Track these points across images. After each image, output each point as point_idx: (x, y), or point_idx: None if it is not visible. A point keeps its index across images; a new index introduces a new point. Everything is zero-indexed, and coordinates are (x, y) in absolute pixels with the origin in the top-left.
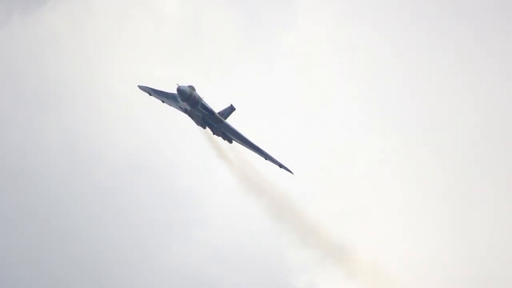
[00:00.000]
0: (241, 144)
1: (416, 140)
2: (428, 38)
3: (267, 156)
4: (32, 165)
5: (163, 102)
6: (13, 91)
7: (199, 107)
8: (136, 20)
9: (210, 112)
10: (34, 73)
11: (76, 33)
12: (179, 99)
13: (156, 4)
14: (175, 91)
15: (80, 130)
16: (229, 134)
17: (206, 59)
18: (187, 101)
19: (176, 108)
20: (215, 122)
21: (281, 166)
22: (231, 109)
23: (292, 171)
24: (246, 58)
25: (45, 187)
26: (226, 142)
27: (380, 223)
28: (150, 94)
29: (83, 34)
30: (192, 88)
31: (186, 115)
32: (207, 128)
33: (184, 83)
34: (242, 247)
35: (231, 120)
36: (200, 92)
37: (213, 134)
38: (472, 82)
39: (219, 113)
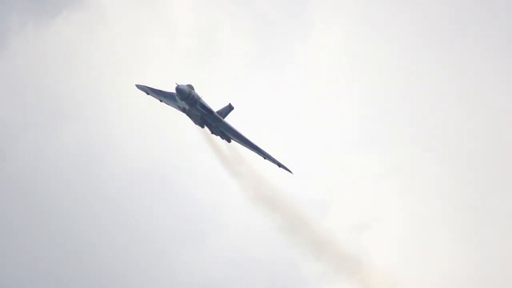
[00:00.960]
0: (239, 143)
1: (430, 150)
2: (442, 49)
3: (266, 155)
4: (44, 176)
5: (161, 101)
6: (27, 102)
7: (198, 106)
8: (150, 31)
9: (209, 111)
10: (48, 83)
11: (90, 44)
12: (177, 98)
13: (170, 15)
14: (173, 90)
15: (93, 140)
16: (228, 133)
17: (220, 70)
18: (186, 100)
19: (174, 107)
20: (213, 121)
21: (280, 165)
22: (229, 108)
23: (291, 171)
24: (259, 68)
25: (58, 198)
26: (224, 141)
27: (393, 234)
28: (148, 93)
29: (97, 45)
30: (190, 87)
31: (184, 115)
32: (205, 127)
33: (183, 82)
34: (255, 257)
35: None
36: (200, 92)
37: (212, 133)
38: (488, 92)
39: (218, 112)
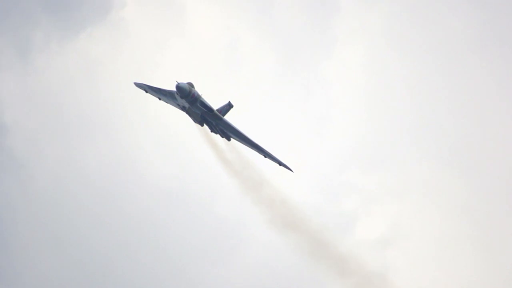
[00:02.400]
0: (239, 141)
1: (455, 165)
2: (466, 68)
3: (266, 154)
4: (66, 191)
5: (159, 99)
6: (51, 117)
7: (198, 104)
8: (173, 47)
9: (209, 109)
10: (71, 99)
11: (113, 60)
12: (177, 97)
13: (194, 31)
14: (172, 88)
15: (115, 156)
16: (228, 132)
17: (243, 85)
18: (186, 98)
19: (174, 105)
20: (213, 119)
21: (280, 163)
22: (229, 106)
23: (292, 169)
24: (282, 82)
25: (78, 214)
26: (224, 139)
27: (418, 250)
28: (147, 91)
29: (120, 61)
30: (191, 85)
31: (182, 113)
32: (205, 125)
33: (183, 80)
34: (277, 275)
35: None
36: (201, 91)
37: (211, 131)
38: None
39: (217, 110)
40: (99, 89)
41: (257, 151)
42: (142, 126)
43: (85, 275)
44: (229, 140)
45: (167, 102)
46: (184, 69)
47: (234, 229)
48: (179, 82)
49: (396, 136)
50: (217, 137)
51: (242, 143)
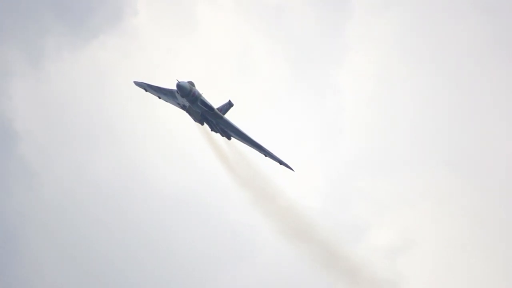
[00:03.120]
0: (240, 140)
1: (465, 173)
2: (478, 75)
3: (267, 153)
4: (77, 199)
5: (159, 98)
6: (63, 126)
7: (199, 103)
8: (185, 55)
9: (210, 108)
10: (83, 108)
11: (125, 68)
12: (178, 95)
13: (206, 39)
14: (172, 87)
15: (128, 165)
16: (228, 131)
17: (255, 93)
18: (187, 97)
19: (174, 104)
20: (214, 118)
21: (281, 163)
22: (229, 105)
23: (292, 168)
24: (294, 90)
25: (90, 222)
26: (224, 138)
27: (430, 258)
28: (146, 90)
29: (132, 69)
30: (191, 83)
31: (181, 112)
32: (205, 124)
33: (184, 79)
34: (289, 282)
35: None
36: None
37: (211, 130)
38: None
39: (217, 109)
40: (111, 97)
41: (258, 150)
42: (153, 134)
43: (96, 282)
44: (229, 139)
45: (167, 101)
46: (196, 76)
47: (246, 235)
48: (179, 81)
49: (407, 143)
50: (217, 136)
51: (243, 142)
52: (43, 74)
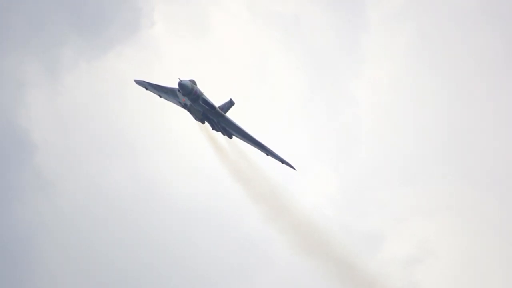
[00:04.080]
0: (241, 139)
1: (483, 184)
2: (494, 88)
3: (268, 152)
4: (94, 212)
5: (160, 96)
6: (79, 137)
7: (200, 102)
8: (202, 66)
9: (211, 106)
10: (100, 119)
11: (142, 79)
12: (179, 94)
13: (222, 50)
14: (173, 85)
15: (144, 176)
16: (230, 129)
17: (273, 103)
18: (188, 95)
19: (174, 103)
20: (215, 117)
21: (283, 161)
22: (230, 103)
23: (294, 167)
24: (311, 104)
25: (109, 233)
26: (226, 137)
27: (447, 269)
28: (147, 89)
29: (149, 80)
30: (193, 82)
31: (182, 111)
32: (206, 123)
33: (186, 77)
34: None
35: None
36: (203, 89)
37: (212, 129)
38: None
39: (219, 107)
40: (127, 107)
41: (259, 149)
42: (170, 145)
43: None
44: (230, 138)
45: (167, 100)
46: (213, 87)
47: (260, 246)
48: (181, 79)
49: (424, 154)
50: (218, 135)
51: (244, 140)
52: (60, 84)
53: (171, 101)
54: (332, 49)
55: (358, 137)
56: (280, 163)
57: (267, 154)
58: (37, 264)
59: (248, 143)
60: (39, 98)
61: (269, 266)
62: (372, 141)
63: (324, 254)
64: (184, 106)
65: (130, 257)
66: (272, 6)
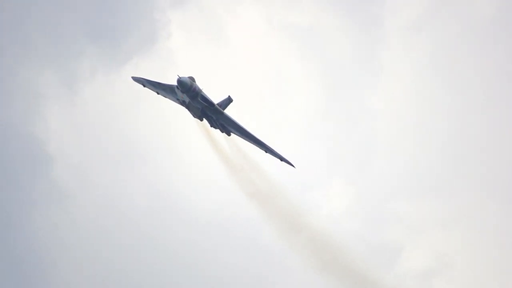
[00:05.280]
0: (240, 136)
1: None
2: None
3: (267, 149)
4: (111, 224)
5: (158, 93)
6: (97, 149)
7: (199, 99)
8: (219, 78)
9: (210, 104)
10: (117, 131)
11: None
12: (178, 91)
13: (240, 62)
14: (171, 82)
15: (163, 189)
16: (229, 127)
17: (289, 115)
18: (187, 92)
19: (173, 100)
20: (214, 114)
21: (282, 159)
22: (228, 100)
23: (293, 165)
24: (328, 114)
25: (125, 246)
26: (224, 134)
27: (464, 281)
28: (145, 86)
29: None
30: (192, 79)
31: (179, 108)
32: (204, 120)
33: (185, 74)
34: None
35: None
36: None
37: (211, 126)
38: None
39: (217, 104)
40: (145, 120)
41: (258, 146)
42: (186, 158)
43: None
44: (229, 135)
45: (165, 97)
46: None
47: (276, 257)
48: (180, 76)
49: (442, 166)
50: (216, 131)
51: (243, 137)
52: (77, 97)
53: (169, 98)
54: (348, 60)
55: (375, 149)
56: (279, 160)
57: (266, 152)
58: (53, 275)
59: (247, 140)
60: (57, 110)
61: (286, 278)
62: (389, 153)
63: (341, 267)
64: (183, 103)
65: (145, 269)
66: (288, 17)
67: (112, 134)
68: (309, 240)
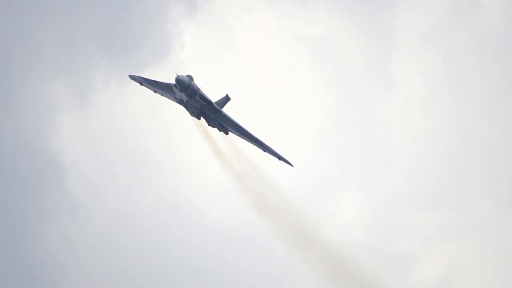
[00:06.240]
0: (238, 135)
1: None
2: None
3: (265, 148)
4: (124, 235)
5: (155, 92)
6: (109, 160)
7: (197, 98)
8: (232, 88)
9: (208, 102)
10: (130, 141)
11: (172, 103)
12: (175, 90)
13: (253, 72)
14: (168, 81)
15: (175, 199)
16: (227, 125)
17: (301, 123)
18: (185, 91)
19: (170, 99)
20: (212, 113)
21: (280, 158)
22: (226, 99)
23: (292, 164)
24: (340, 125)
25: (139, 257)
26: (222, 133)
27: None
28: (142, 84)
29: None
30: (190, 77)
31: (177, 106)
32: (201, 119)
33: (183, 73)
34: None
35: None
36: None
37: (208, 125)
38: None
39: (215, 103)
40: (157, 130)
41: (256, 145)
42: (201, 168)
43: None
44: (227, 134)
45: (162, 95)
46: (243, 109)
47: (288, 267)
48: (178, 74)
49: (455, 176)
50: (214, 130)
51: (241, 137)
52: (90, 108)
53: (166, 96)
54: (361, 70)
55: (387, 159)
56: (277, 159)
57: (264, 151)
58: (65, 285)
59: (245, 139)
60: (70, 121)
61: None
62: (401, 163)
63: (353, 277)
64: (180, 101)
65: (156, 278)
66: (301, 28)
67: (124, 145)
68: (321, 251)
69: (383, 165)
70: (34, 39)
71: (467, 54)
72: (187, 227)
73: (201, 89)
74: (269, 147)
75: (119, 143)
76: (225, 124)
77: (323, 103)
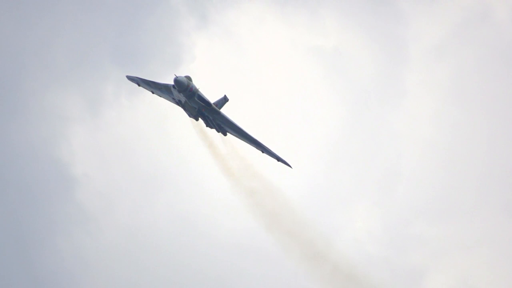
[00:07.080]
0: (236, 136)
1: None
2: None
3: (264, 149)
4: (136, 247)
5: (152, 93)
6: (121, 172)
7: (196, 98)
8: (244, 102)
9: (207, 103)
10: (141, 153)
11: (184, 115)
12: (174, 90)
13: (264, 84)
14: (166, 82)
15: (187, 211)
16: (225, 126)
17: (311, 134)
18: (184, 92)
19: (168, 99)
20: (211, 113)
21: (279, 159)
22: (224, 99)
23: (290, 165)
24: (350, 137)
25: (151, 269)
26: (220, 134)
27: None
28: (139, 85)
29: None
30: (189, 78)
31: (175, 107)
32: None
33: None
34: None
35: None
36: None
37: (206, 126)
38: None
39: (213, 103)
40: (169, 143)
41: (255, 146)
42: (212, 179)
43: None
44: (225, 134)
45: (160, 96)
46: (255, 122)
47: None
48: (177, 75)
49: (465, 189)
50: (212, 131)
51: (239, 137)
52: (101, 119)
53: (164, 97)
54: (372, 82)
55: (399, 172)
56: (276, 160)
57: (263, 152)
58: None
59: (243, 140)
60: (81, 132)
61: None
62: (413, 175)
63: None
64: (178, 102)
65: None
66: (312, 40)
67: (135, 157)
68: (332, 265)
69: (395, 178)
70: (46, 50)
71: (478, 67)
72: (199, 239)
73: (199, 90)
74: (267, 148)
75: (130, 155)
76: (223, 125)
77: (335, 114)
